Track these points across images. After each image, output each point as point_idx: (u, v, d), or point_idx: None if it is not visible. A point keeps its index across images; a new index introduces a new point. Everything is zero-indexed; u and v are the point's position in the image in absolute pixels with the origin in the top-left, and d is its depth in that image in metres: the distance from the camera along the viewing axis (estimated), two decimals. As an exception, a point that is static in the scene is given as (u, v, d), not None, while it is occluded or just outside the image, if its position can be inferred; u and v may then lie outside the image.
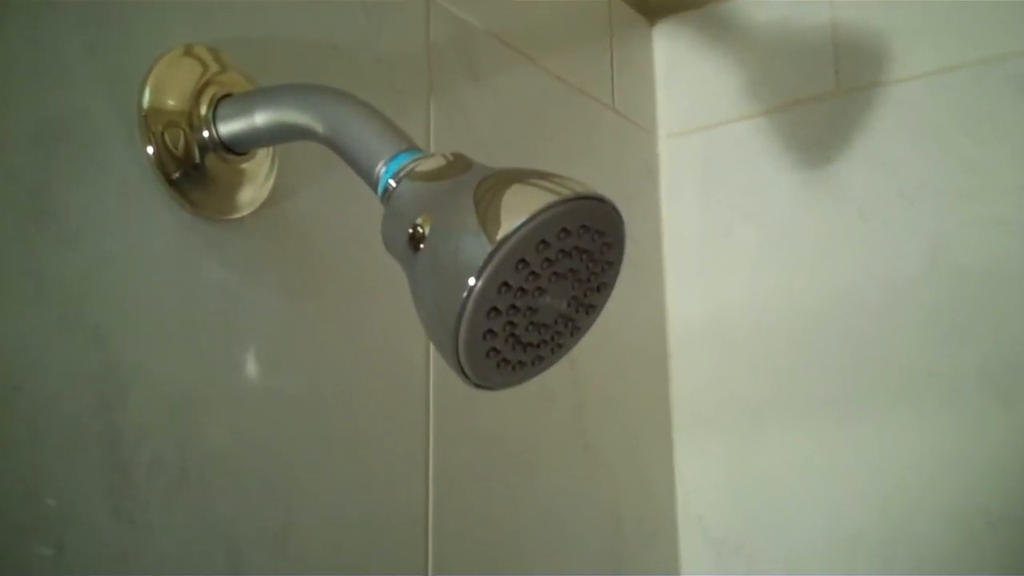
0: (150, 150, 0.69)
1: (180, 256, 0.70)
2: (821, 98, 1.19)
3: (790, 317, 1.17)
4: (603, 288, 0.63)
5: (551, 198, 0.57)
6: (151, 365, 0.67)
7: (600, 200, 0.59)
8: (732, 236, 1.23)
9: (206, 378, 0.71)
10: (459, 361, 0.58)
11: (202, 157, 0.71)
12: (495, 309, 0.57)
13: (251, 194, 0.75)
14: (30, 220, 0.62)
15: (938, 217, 1.11)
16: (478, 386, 0.61)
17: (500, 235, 0.56)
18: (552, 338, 0.62)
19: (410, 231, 0.59)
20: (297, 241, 0.80)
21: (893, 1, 1.17)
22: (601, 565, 1.07)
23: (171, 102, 0.70)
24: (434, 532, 0.87)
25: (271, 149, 0.76)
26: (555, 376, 1.02)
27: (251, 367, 0.74)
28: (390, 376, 0.86)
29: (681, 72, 1.30)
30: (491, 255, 0.55)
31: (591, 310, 0.63)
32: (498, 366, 0.60)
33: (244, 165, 0.74)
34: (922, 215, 1.11)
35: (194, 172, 0.71)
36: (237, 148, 0.72)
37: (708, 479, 1.20)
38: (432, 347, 0.85)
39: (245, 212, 0.75)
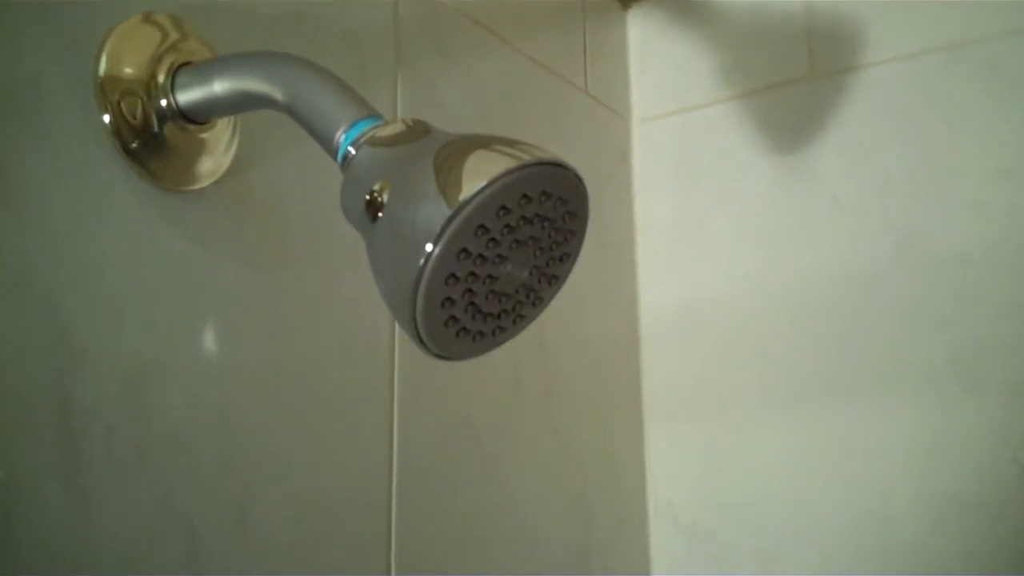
0: (106, 119, 0.67)
1: (138, 227, 0.69)
2: (795, 82, 1.19)
3: (763, 304, 1.17)
4: (566, 258, 0.62)
5: (512, 163, 0.56)
6: (105, 336, 0.66)
7: (562, 167, 0.58)
8: (705, 221, 1.22)
9: (163, 351, 0.69)
10: (417, 329, 0.57)
11: (160, 127, 0.69)
12: (453, 276, 0.56)
13: (211, 164, 0.73)
14: (-23, 185, 0.60)
15: (912, 201, 1.10)
16: (438, 356, 0.60)
17: (460, 200, 0.54)
18: (513, 308, 0.60)
19: (367, 198, 0.58)
20: (259, 213, 0.78)
21: (867, -14, 1.16)
22: (570, 551, 1.06)
23: (128, 70, 0.68)
24: (397, 512, 0.86)
25: (232, 119, 0.75)
26: (525, 359, 1.02)
27: (210, 340, 0.73)
28: (354, 352, 0.85)
29: (655, 56, 1.29)
30: (449, 220, 0.54)
31: (554, 280, 0.62)
32: (457, 335, 0.59)
33: (204, 135, 0.72)
34: (896, 200, 1.11)
35: (152, 142, 0.69)
36: (196, 117, 0.71)
37: (678, 466, 1.19)
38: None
39: (205, 183, 0.73)
